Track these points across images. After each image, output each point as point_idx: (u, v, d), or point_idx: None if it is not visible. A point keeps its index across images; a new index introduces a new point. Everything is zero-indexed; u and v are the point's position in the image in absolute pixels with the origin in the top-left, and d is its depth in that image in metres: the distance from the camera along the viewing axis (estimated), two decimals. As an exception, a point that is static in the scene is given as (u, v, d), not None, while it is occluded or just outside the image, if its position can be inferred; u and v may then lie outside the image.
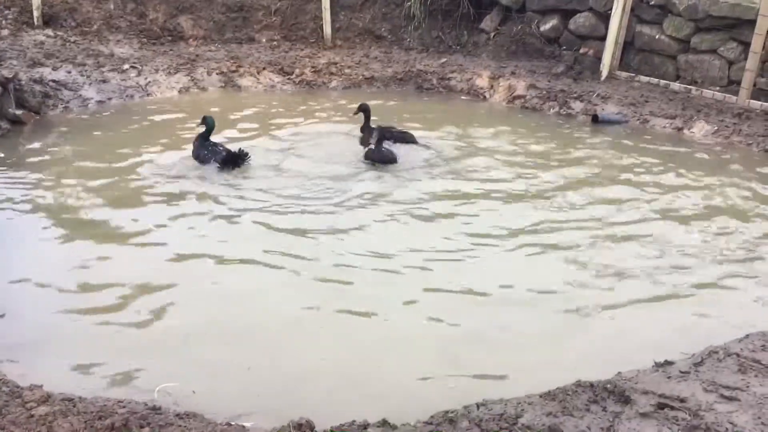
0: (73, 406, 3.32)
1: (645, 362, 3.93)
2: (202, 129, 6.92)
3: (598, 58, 10.38)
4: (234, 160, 6.68)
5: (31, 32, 10.27)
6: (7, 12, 10.47)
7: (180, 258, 5.02)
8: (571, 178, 6.94)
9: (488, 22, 11.60)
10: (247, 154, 6.73)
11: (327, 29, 11.65)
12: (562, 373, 3.81)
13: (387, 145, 7.33)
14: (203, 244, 5.23)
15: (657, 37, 10.00)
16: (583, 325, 4.45)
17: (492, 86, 10.13)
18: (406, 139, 7.93)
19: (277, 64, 10.36)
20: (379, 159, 7.05)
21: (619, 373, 3.79)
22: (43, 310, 4.33)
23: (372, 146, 7.14)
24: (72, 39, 10.35)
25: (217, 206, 5.91)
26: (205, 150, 6.78)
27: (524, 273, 5.10)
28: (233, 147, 6.85)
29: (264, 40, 11.58)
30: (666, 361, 3.93)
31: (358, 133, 7.84)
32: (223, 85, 9.72)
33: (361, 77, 10.29)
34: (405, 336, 4.28)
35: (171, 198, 6.01)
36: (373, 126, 7.81)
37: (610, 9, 10.04)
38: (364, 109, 7.96)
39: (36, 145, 7.08)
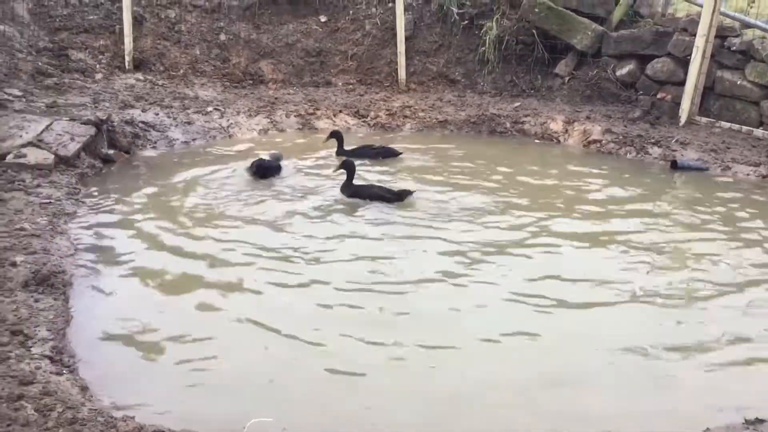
0: (163, 437, 3.44)
1: (734, 419, 3.80)
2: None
3: (677, 103, 10.22)
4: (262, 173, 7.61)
5: (123, 76, 10.87)
6: (101, 57, 11.11)
7: (265, 298, 5.12)
8: (656, 227, 6.76)
9: (563, 67, 11.61)
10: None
11: (402, 73, 11.91)
12: (645, 427, 3.72)
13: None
14: (287, 285, 5.31)
15: (739, 82, 9.81)
16: (670, 379, 4.32)
17: (566, 130, 10.10)
18: (392, 152, 8.58)
19: (352, 107, 10.62)
20: (350, 195, 7.09)
21: (708, 429, 3.67)
22: (134, 343, 4.48)
23: (344, 174, 7.22)
24: (160, 82, 10.90)
25: (298, 250, 6.01)
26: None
27: (607, 322, 5.00)
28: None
29: (340, 84, 11.91)
30: (757, 418, 3.79)
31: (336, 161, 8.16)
32: (301, 127, 10.01)
33: (434, 120, 10.43)
34: (481, 377, 4.25)
35: (251, 237, 6.15)
36: (348, 148, 8.52)
37: (689, 54, 9.91)
38: (337, 136, 8.56)
39: (125, 182, 7.41)
